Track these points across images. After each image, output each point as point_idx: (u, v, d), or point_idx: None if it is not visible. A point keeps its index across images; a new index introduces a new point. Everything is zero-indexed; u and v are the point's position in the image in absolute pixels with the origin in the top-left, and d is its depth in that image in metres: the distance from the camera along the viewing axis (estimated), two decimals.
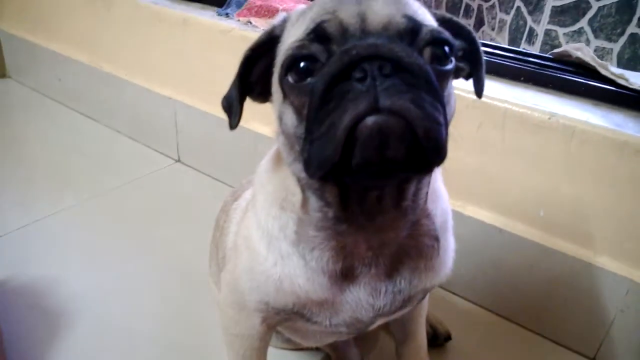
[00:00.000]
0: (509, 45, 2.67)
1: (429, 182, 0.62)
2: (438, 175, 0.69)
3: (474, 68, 0.63)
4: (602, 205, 0.97)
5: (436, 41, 0.51)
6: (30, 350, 0.96)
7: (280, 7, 1.45)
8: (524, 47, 2.57)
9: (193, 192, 1.54)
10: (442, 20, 0.59)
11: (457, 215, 1.09)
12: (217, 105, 1.64)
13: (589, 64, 1.12)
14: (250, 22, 1.41)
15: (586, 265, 0.99)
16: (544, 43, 2.49)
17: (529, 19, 2.55)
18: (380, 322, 0.72)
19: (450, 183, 1.10)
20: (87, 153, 1.70)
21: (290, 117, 0.53)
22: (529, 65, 1.14)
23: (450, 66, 0.52)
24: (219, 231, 0.88)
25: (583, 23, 2.36)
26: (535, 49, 2.52)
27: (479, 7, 2.96)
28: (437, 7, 3.29)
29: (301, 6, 0.58)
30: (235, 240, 0.74)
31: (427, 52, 0.51)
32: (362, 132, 0.45)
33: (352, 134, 0.46)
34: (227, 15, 1.46)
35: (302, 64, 0.51)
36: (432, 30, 0.51)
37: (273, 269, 0.64)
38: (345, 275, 0.63)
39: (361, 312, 0.65)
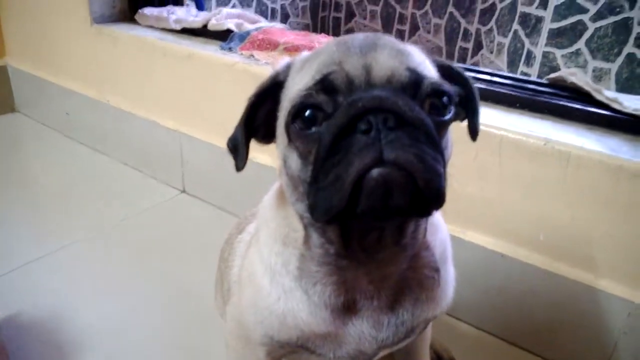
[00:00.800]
0: (507, 67, 2.72)
1: (428, 218, 0.64)
2: None
3: (470, 113, 0.65)
4: (601, 228, 0.98)
5: (437, 93, 0.54)
6: None
7: (281, 41, 1.49)
8: (522, 69, 2.61)
9: (199, 223, 1.56)
10: (441, 67, 0.62)
11: (458, 241, 1.12)
12: (220, 136, 1.68)
13: (583, 89, 1.14)
14: (253, 56, 1.45)
15: (588, 289, 1.00)
16: (542, 65, 2.52)
17: (526, 41, 2.59)
18: (384, 352, 0.73)
19: (450, 210, 1.13)
20: (95, 186, 1.73)
21: (295, 161, 0.56)
22: (525, 91, 1.16)
23: (449, 116, 0.55)
24: (223, 263, 0.90)
25: (580, 44, 2.40)
26: (533, 71, 2.56)
27: (477, 31, 3.01)
28: (436, 32, 3.35)
29: (305, 53, 0.61)
30: (239, 274, 0.76)
31: (428, 103, 0.53)
32: (368, 183, 0.48)
33: (358, 185, 0.49)
34: (230, 49, 1.50)
35: (308, 112, 0.53)
36: (433, 83, 0.53)
37: (276, 304, 0.65)
38: (347, 309, 0.65)
39: (364, 345, 0.66)
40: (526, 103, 1.14)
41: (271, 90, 0.62)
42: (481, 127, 1.04)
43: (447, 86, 0.55)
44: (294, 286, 0.64)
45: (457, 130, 1.06)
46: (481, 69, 1.31)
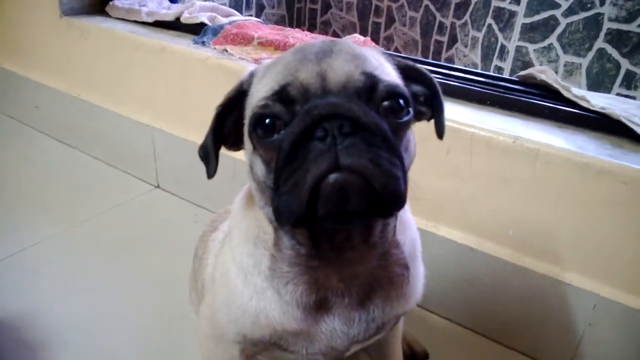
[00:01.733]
0: (481, 61, 2.75)
1: (396, 217, 0.65)
2: (405, 207, 0.72)
3: (435, 112, 0.66)
4: (567, 224, 1.01)
5: (392, 96, 0.55)
6: None
7: (256, 35, 1.48)
8: (495, 63, 2.64)
9: (173, 218, 1.55)
10: (404, 68, 0.63)
11: (430, 235, 1.14)
12: (194, 131, 1.66)
13: (552, 86, 1.17)
14: (227, 50, 1.43)
15: (555, 282, 1.03)
16: (515, 59, 2.56)
17: (500, 36, 2.63)
18: (355, 348, 0.74)
19: (423, 205, 1.15)
20: (66, 181, 1.70)
21: (260, 167, 0.57)
22: (495, 89, 1.18)
23: (406, 117, 0.56)
24: (197, 261, 0.90)
25: (552, 39, 2.44)
26: (506, 65, 2.60)
27: (452, 24, 3.03)
28: (412, 25, 3.37)
29: (267, 61, 0.62)
30: (212, 274, 0.76)
31: (384, 106, 0.54)
32: (325, 189, 0.50)
33: (316, 191, 0.50)
34: (203, 43, 1.49)
35: (267, 121, 0.55)
36: (388, 86, 0.55)
37: (249, 304, 0.66)
38: (319, 307, 0.66)
39: (336, 341, 0.68)
40: (496, 100, 1.16)
41: (237, 99, 0.63)
42: (452, 125, 1.07)
43: (403, 88, 0.57)
44: (266, 286, 0.65)
45: (429, 127, 1.08)
46: (453, 65, 1.32)
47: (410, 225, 0.72)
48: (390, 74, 0.59)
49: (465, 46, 2.89)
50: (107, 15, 1.75)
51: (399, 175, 0.52)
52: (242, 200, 0.71)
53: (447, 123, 1.06)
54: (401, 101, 0.55)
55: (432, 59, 3.27)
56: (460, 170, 1.10)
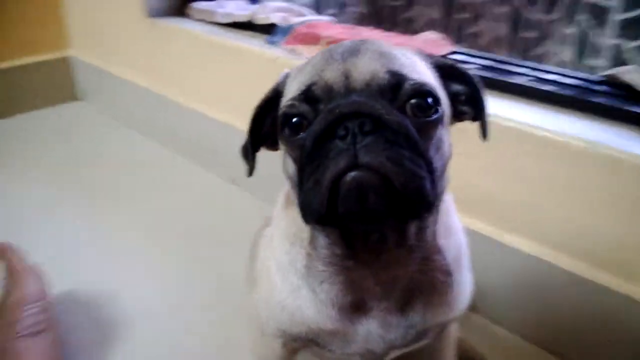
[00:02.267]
0: (572, 59, 2.57)
1: (436, 220, 0.63)
2: (451, 211, 0.70)
3: (477, 112, 0.63)
4: None
5: (419, 94, 0.53)
6: (87, 357, 1.05)
7: (324, 35, 1.49)
8: (588, 62, 2.47)
9: (245, 214, 1.59)
10: (442, 67, 0.61)
11: (496, 244, 1.09)
12: None
13: (638, 88, 1.07)
14: (295, 50, 1.45)
15: (631, 301, 0.94)
16: (610, 58, 2.38)
17: (593, 32, 2.45)
18: (396, 353, 0.73)
19: (489, 211, 1.10)
20: (148, 174, 1.81)
21: (291, 165, 0.58)
22: (574, 89, 1.10)
23: (435, 116, 0.55)
24: (252, 252, 0.92)
25: None
26: (600, 64, 2.41)
27: (541, 20, 2.87)
28: (499, 21, 3.22)
29: (300, 63, 0.62)
30: (259, 268, 0.78)
31: (410, 105, 0.53)
32: (343, 187, 0.49)
33: (336, 189, 0.50)
34: (274, 43, 1.52)
35: (294, 120, 0.55)
36: (414, 84, 0.53)
37: (286, 300, 0.67)
38: (356, 308, 0.65)
39: (372, 344, 0.67)
40: (574, 102, 1.08)
41: (274, 100, 0.64)
42: (521, 127, 1.02)
43: (431, 86, 0.55)
44: (301, 284, 0.66)
45: (497, 128, 1.03)
46: (526, 64, 1.25)
47: (456, 230, 0.70)
48: (420, 72, 0.57)
49: (556, 43, 2.72)
50: (188, 16, 1.84)
51: (422, 175, 0.50)
52: (282, 199, 0.72)
53: (514, 125, 1.03)
54: (429, 100, 0.54)
55: (521, 57, 3.12)
56: (528, 176, 1.04)
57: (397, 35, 1.50)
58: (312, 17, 1.67)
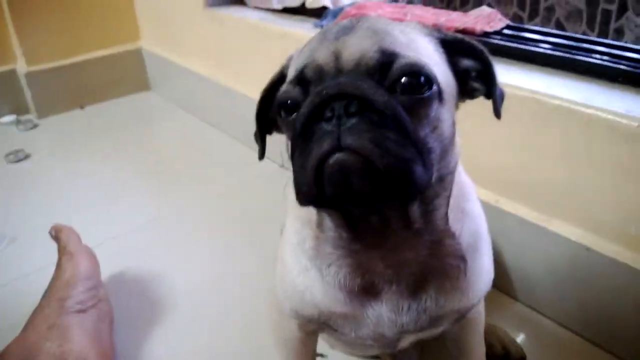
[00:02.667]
0: None
1: (446, 203, 0.62)
2: (468, 195, 0.67)
3: (489, 88, 0.60)
4: None
5: (410, 73, 0.51)
6: (133, 334, 1.12)
7: (374, 15, 1.47)
8: None
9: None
10: (452, 42, 0.59)
11: (541, 230, 1.04)
12: None
13: None
14: None
15: None
16: None
17: None
18: (410, 339, 0.72)
19: (534, 195, 1.05)
20: (203, 156, 1.90)
21: (290, 148, 0.58)
22: (631, 62, 1.02)
23: (428, 93, 0.52)
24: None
25: None
26: None
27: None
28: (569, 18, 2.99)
29: (302, 45, 0.62)
30: (280, 248, 0.80)
31: (401, 84, 0.52)
32: (327, 170, 0.49)
33: (321, 171, 0.50)
34: (322, 27, 1.52)
35: (288, 103, 0.56)
36: (405, 64, 0.52)
37: (297, 280, 0.68)
38: (366, 291, 0.65)
39: (383, 328, 0.66)
40: (631, 77, 1.00)
41: (280, 83, 0.63)
42: (568, 105, 0.96)
43: (422, 63, 0.53)
44: (310, 265, 0.66)
45: (542, 106, 0.97)
46: (577, 35, 1.16)
47: (473, 215, 0.67)
48: (416, 49, 0.55)
49: (638, 15, 2.49)
50: (244, 4, 1.88)
51: (407, 156, 0.49)
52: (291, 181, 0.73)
53: (561, 103, 0.97)
54: (421, 78, 0.52)
55: (599, 30, 2.89)
56: (576, 157, 0.98)
57: (448, 13, 1.45)
58: None
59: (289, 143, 0.59)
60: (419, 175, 0.50)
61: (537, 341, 1.04)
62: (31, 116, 2.26)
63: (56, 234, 1.14)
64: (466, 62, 0.61)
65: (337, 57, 0.53)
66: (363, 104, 0.49)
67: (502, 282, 1.14)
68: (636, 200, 0.91)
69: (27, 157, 1.95)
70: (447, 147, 0.56)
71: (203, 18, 1.90)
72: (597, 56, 1.06)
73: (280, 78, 0.65)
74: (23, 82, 2.21)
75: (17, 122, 2.20)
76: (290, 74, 0.59)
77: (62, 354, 0.92)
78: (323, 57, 0.54)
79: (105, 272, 1.19)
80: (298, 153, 0.52)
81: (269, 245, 1.36)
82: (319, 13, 1.60)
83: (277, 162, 1.78)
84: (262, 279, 1.25)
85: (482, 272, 0.68)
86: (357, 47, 0.53)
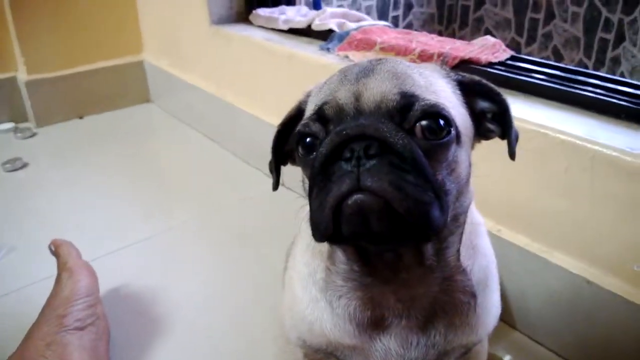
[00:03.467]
0: None
1: (459, 240, 0.62)
2: (479, 232, 0.68)
3: (505, 130, 0.62)
4: None
5: (429, 115, 0.52)
6: (130, 351, 1.11)
7: (379, 40, 1.49)
8: None
9: (293, 215, 1.63)
10: (468, 84, 0.60)
11: (543, 262, 1.05)
12: None
13: None
14: (348, 57, 1.46)
15: None
16: None
17: None
18: None
19: (536, 227, 1.07)
20: (204, 173, 1.90)
21: (306, 183, 0.59)
22: (633, 100, 1.04)
23: (447, 138, 0.54)
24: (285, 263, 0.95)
25: None
26: None
27: (620, 21, 2.69)
28: (574, 21, 3.05)
29: (321, 81, 0.63)
30: (287, 277, 0.80)
31: (420, 126, 0.53)
32: (345, 210, 0.50)
33: (339, 210, 0.51)
34: (328, 49, 1.54)
35: (307, 140, 0.57)
36: (424, 105, 0.53)
37: (306, 311, 0.69)
38: (375, 324, 0.66)
39: None
40: (634, 114, 1.01)
41: (297, 118, 0.65)
42: (571, 140, 0.97)
43: (442, 107, 0.54)
44: (319, 297, 0.67)
45: (546, 140, 0.98)
46: (583, 70, 1.18)
47: (483, 252, 0.68)
48: (435, 92, 0.57)
49: (634, 45, 2.55)
50: (250, 23, 1.89)
51: (425, 200, 0.50)
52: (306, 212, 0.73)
53: (566, 138, 0.99)
54: (440, 121, 0.53)
55: (596, 59, 2.94)
56: (579, 192, 0.99)
57: (453, 41, 1.47)
58: (369, 22, 1.67)
59: (305, 179, 0.60)
60: (436, 218, 0.51)
61: None
62: (30, 124, 2.26)
63: (56, 249, 1.13)
64: (483, 104, 0.62)
65: (357, 98, 0.54)
66: (383, 145, 0.51)
67: (502, 311, 1.14)
68: (638, 236, 0.92)
69: (24, 165, 1.94)
70: (463, 188, 0.57)
71: (208, 35, 1.91)
72: (601, 91, 1.08)
73: (297, 112, 0.66)
74: (23, 90, 2.21)
75: (16, 130, 2.19)
76: (309, 109, 0.60)
77: None
78: (344, 97, 0.55)
79: (102, 288, 1.17)
80: (316, 191, 0.53)
81: (269, 263, 1.37)
82: (325, 35, 1.62)
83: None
84: (261, 297, 1.25)
85: (491, 308, 0.69)
86: (377, 90, 0.54)
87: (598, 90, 1.08)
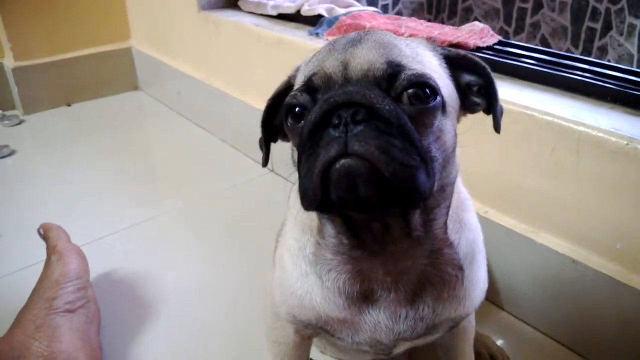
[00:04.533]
0: (638, 51, 2.43)
1: (446, 213, 0.63)
2: (466, 206, 0.69)
3: (490, 103, 0.63)
4: None
5: (415, 84, 0.54)
6: (121, 335, 1.11)
7: (368, 25, 1.49)
8: None
9: (282, 200, 1.63)
10: (454, 58, 0.61)
11: (529, 242, 1.07)
12: None
13: None
14: None
15: None
16: None
17: None
18: (406, 345, 0.73)
19: (523, 208, 1.08)
20: (194, 160, 1.89)
21: (295, 154, 0.59)
22: (618, 83, 1.05)
23: (433, 103, 0.55)
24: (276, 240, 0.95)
25: None
26: None
27: (607, 10, 2.71)
28: (562, 11, 3.07)
29: (309, 55, 0.63)
30: (277, 253, 0.81)
31: (407, 94, 0.54)
32: (333, 174, 0.51)
33: (327, 176, 0.51)
34: (317, 34, 1.54)
35: (296, 110, 0.58)
36: (411, 75, 0.54)
37: (296, 285, 0.69)
38: (364, 298, 0.66)
39: (380, 334, 0.68)
40: (618, 96, 1.03)
41: (286, 93, 0.65)
42: (558, 121, 0.99)
43: (428, 76, 0.55)
44: (309, 271, 0.67)
45: (533, 122, 0.99)
46: (568, 54, 1.20)
47: (470, 226, 0.69)
48: (421, 62, 0.58)
49: (621, 34, 2.57)
50: (239, 9, 1.89)
51: (412, 164, 0.51)
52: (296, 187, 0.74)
53: (552, 119, 1.00)
54: (426, 89, 0.54)
55: (583, 48, 2.96)
56: (565, 173, 1.00)
57: (441, 26, 1.47)
58: (358, 7, 1.67)
59: (294, 150, 0.61)
60: (422, 182, 0.52)
61: (522, 350, 1.06)
62: (17, 112, 2.24)
63: (45, 232, 1.13)
64: (468, 78, 0.63)
65: (345, 67, 0.55)
66: (370, 112, 0.51)
67: (489, 291, 1.15)
68: (621, 215, 0.94)
69: (12, 153, 1.92)
70: (449, 158, 0.58)
71: (196, 21, 1.90)
72: (588, 74, 1.09)
73: (286, 87, 0.66)
74: (10, 77, 2.18)
75: (3, 118, 2.17)
76: (298, 82, 0.60)
77: (51, 354, 0.91)
78: (332, 66, 0.56)
79: (92, 272, 1.17)
80: (305, 158, 0.54)
81: (258, 248, 1.38)
82: (314, 21, 1.62)
83: (267, 166, 1.79)
84: (251, 281, 1.26)
85: (479, 282, 0.70)
86: (365, 58, 0.55)
87: (584, 74, 1.10)
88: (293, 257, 0.70)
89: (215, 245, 1.42)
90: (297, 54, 1.53)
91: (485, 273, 0.73)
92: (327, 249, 0.65)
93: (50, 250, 1.09)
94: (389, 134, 0.50)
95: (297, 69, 0.66)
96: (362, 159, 0.50)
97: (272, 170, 1.77)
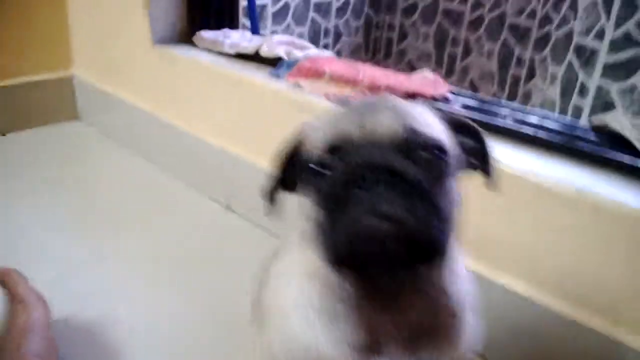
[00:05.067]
0: (560, 98, 2.67)
1: (445, 265, 0.68)
2: (459, 258, 0.74)
3: (484, 165, 0.69)
4: (630, 282, 0.98)
5: (430, 147, 0.60)
6: None
7: (327, 70, 1.55)
8: (575, 101, 2.56)
9: (240, 239, 1.63)
10: (456, 124, 0.67)
11: (489, 283, 1.14)
12: (265, 158, 1.75)
13: (625, 137, 1.14)
14: (299, 84, 1.51)
15: (617, 345, 0.99)
16: (596, 98, 2.48)
17: (580, 73, 2.55)
18: None
19: (485, 252, 1.15)
20: (145, 196, 1.84)
21: (312, 209, 0.62)
22: (563, 136, 1.17)
23: (447, 168, 0.61)
24: (258, 287, 0.95)
25: (636, 79, 2.33)
26: (586, 103, 2.51)
27: (531, 58, 2.98)
28: (489, 57, 3.33)
29: (321, 115, 0.67)
30: (272, 305, 0.81)
31: (423, 157, 0.59)
32: (363, 234, 0.55)
33: (356, 235, 0.55)
34: (278, 76, 1.57)
35: (317, 169, 0.61)
36: (427, 139, 0.60)
37: (300, 335, 0.70)
38: (369, 348, 0.69)
39: None
40: (562, 149, 1.15)
41: (296, 149, 0.69)
42: (515, 172, 1.07)
43: (441, 140, 0.61)
44: (315, 319, 0.69)
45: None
46: (521, 110, 1.32)
47: (462, 275, 0.74)
48: (432, 127, 0.64)
49: (544, 81, 2.82)
50: (194, 44, 1.89)
51: (434, 223, 0.56)
52: (297, 237, 0.76)
53: (509, 171, 1.08)
54: (439, 153, 0.60)
55: (509, 93, 3.22)
56: (522, 219, 1.10)
57: (395, 74, 1.56)
58: (314, 51, 1.73)
59: (308, 204, 0.63)
60: (442, 240, 0.57)
61: None
62: None
63: (1, 278, 1.05)
64: (466, 140, 0.69)
65: (366, 131, 0.60)
66: (393, 174, 0.56)
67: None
68: (574, 259, 1.03)
69: None
70: (453, 214, 0.63)
71: (150, 55, 1.87)
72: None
73: (295, 145, 0.69)
74: None
75: None
76: (316, 141, 0.63)
77: None
78: (353, 130, 0.60)
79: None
80: (331, 217, 0.57)
81: (212, 286, 1.36)
82: (273, 62, 1.66)
83: (220, 202, 1.78)
84: (204, 320, 1.25)
85: (470, 327, 0.75)
86: (384, 123, 0.60)
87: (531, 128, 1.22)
88: (297, 305, 0.71)
89: (175, 285, 1.39)
90: (257, 93, 1.56)
91: (475, 317, 0.78)
92: (335, 300, 0.68)
93: (12, 299, 1.02)
94: (412, 196, 0.55)
95: (307, 129, 0.69)
96: (390, 219, 0.54)
97: (228, 207, 1.76)
